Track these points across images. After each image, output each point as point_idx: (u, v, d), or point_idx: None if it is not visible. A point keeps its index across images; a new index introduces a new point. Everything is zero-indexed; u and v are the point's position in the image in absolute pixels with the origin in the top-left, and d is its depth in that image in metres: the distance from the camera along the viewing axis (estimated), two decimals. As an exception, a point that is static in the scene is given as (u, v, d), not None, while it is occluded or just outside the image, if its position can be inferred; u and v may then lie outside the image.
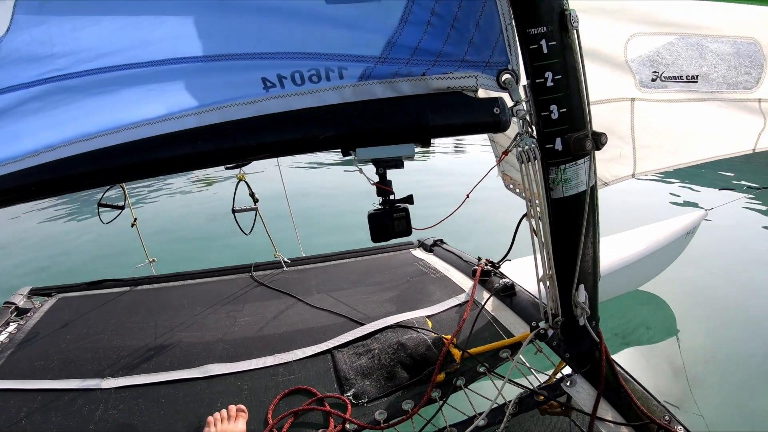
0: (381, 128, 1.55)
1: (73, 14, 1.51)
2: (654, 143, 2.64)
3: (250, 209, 2.93)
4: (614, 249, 4.66)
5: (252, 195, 2.90)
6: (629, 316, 5.12)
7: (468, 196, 1.73)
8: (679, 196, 9.52)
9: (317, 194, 9.14)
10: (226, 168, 2.78)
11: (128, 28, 1.52)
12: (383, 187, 1.65)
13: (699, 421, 3.61)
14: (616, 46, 2.46)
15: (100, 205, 2.76)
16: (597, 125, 2.49)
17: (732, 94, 2.75)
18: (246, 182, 2.83)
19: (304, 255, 3.37)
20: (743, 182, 10.41)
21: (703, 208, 5.28)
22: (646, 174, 2.72)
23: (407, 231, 1.70)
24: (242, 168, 2.74)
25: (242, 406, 1.88)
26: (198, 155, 1.64)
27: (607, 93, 2.48)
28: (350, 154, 1.59)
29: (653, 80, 2.54)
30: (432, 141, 1.58)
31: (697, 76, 2.63)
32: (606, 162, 2.55)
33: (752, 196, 8.74)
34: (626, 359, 4.34)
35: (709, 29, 2.59)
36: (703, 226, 5.26)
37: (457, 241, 3.36)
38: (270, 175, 3.26)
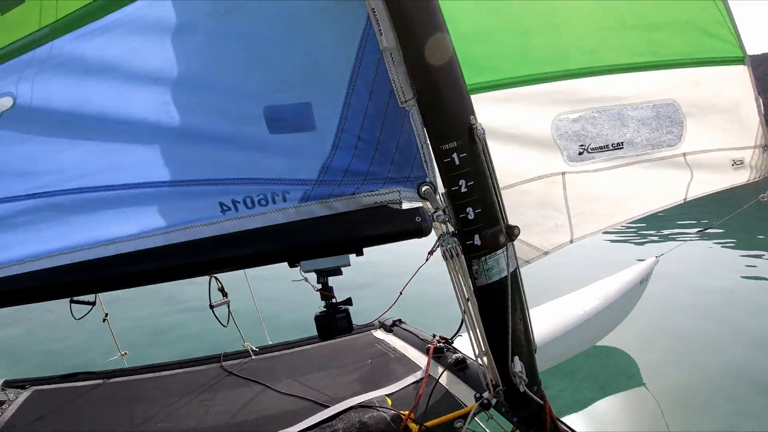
0: (320, 243, 1.80)
1: (52, 136, 1.74)
2: (588, 210, 2.88)
3: (224, 303, 3.09)
4: (570, 307, 4.83)
5: (222, 289, 3.07)
6: (596, 371, 5.28)
7: (401, 294, 1.96)
8: (632, 246, 9.87)
9: (282, 279, 9.12)
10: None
11: (104, 153, 1.77)
12: (326, 293, 1.88)
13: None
14: (543, 127, 2.73)
15: (72, 301, 2.89)
16: (533, 200, 2.76)
17: (657, 153, 3.00)
18: (216, 278, 3.00)
19: (270, 342, 3.51)
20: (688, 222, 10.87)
21: (654, 256, 5.50)
22: (584, 238, 2.93)
23: (349, 328, 1.92)
24: None
25: None
26: (166, 270, 1.85)
27: (538, 170, 2.74)
28: (296, 266, 1.82)
29: (580, 153, 2.80)
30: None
31: (622, 143, 2.89)
32: (544, 233, 2.78)
33: (698, 237, 9.13)
34: (600, 412, 4.52)
35: (627, 98, 2.87)
36: (655, 273, 5.48)
37: (416, 319, 3.55)
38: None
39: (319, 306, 1.91)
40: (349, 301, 1.94)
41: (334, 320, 1.89)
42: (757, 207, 3.64)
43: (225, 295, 3.06)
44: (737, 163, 3.18)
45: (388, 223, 1.81)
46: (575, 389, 4.93)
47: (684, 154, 3.06)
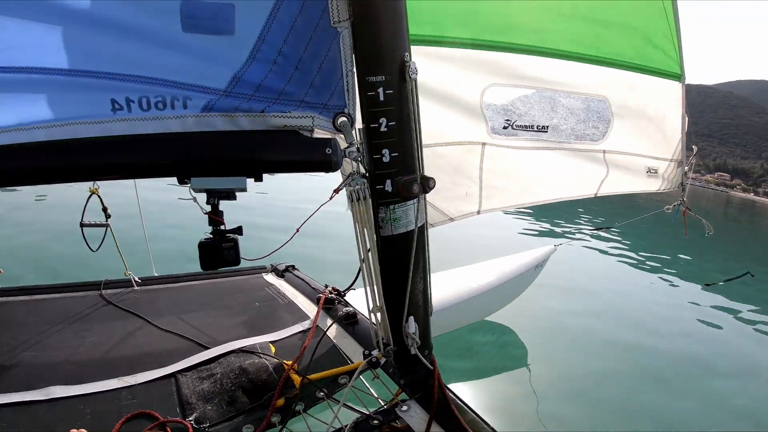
0: (216, 160, 1.61)
1: None
2: (500, 184, 2.87)
3: (101, 225, 2.83)
4: (465, 279, 4.94)
5: (105, 210, 2.81)
6: (481, 344, 5.47)
7: (298, 231, 1.80)
8: (533, 230, 10.31)
9: (171, 216, 8.82)
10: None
11: None
12: (215, 218, 1.70)
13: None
14: (473, 93, 2.67)
15: None
16: (447, 164, 2.69)
17: (579, 144, 3.04)
18: (99, 196, 2.73)
19: (156, 274, 3.31)
20: (594, 219, 11.48)
21: (552, 244, 5.78)
22: (491, 212, 2.92)
23: (236, 261, 1.75)
24: (96, 182, 2.65)
25: (84, 431, 1.82)
26: (41, 170, 1.63)
27: (460, 136, 2.68)
28: (186, 183, 1.62)
29: (505, 128, 2.77)
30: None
31: (547, 127, 2.89)
32: (453, 199, 2.74)
33: (596, 234, 9.70)
34: (479, 386, 4.63)
35: (562, 85, 2.86)
36: (551, 261, 5.74)
37: (310, 268, 3.45)
38: (124, 192, 3.12)
39: (206, 233, 1.73)
40: (239, 231, 1.76)
41: (220, 249, 1.71)
42: (653, 218, 3.85)
43: (108, 216, 2.80)
44: (651, 171, 3.31)
45: (295, 149, 1.65)
46: (460, 360, 5.06)
47: (604, 152, 3.13)
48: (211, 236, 1.73)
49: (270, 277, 3.33)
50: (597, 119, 3.07)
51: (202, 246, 1.72)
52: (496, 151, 2.75)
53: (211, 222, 1.72)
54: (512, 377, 5.00)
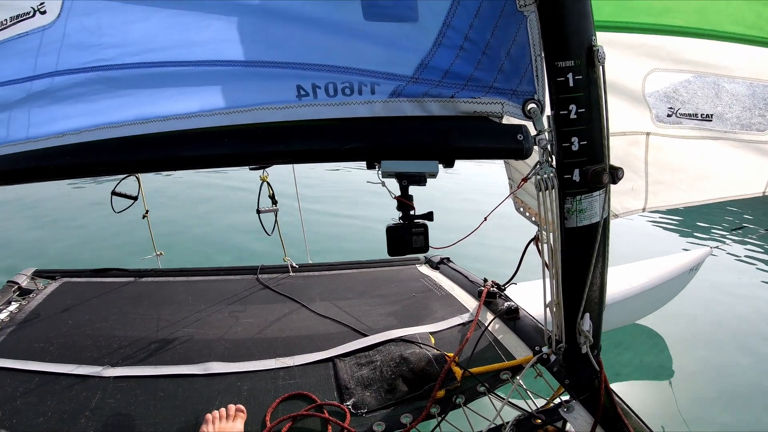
0: (407, 144, 1.60)
1: (123, 8, 1.56)
2: (667, 179, 2.69)
3: (272, 210, 2.96)
4: (617, 281, 4.61)
5: (272, 197, 2.92)
6: (627, 349, 5.11)
7: (486, 219, 1.77)
8: (686, 231, 9.51)
9: (331, 201, 9.00)
10: (251, 168, 2.81)
11: (177, 27, 1.57)
12: (405, 201, 1.69)
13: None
14: (635, 79, 2.51)
15: (113, 193, 2.76)
16: (612, 157, 2.53)
17: (745, 134, 2.79)
18: (269, 183, 2.85)
19: (311, 261, 3.40)
20: (752, 220, 10.40)
21: (708, 246, 5.28)
22: (656, 209, 2.75)
23: (424, 248, 1.73)
24: (266, 170, 2.76)
25: (241, 407, 1.90)
26: (224, 154, 1.68)
27: (623, 126, 2.53)
28: (374, 167, 1.63)
29: (669, 116, 2.59)
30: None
31: (711, 115, 2.68)
32: (618, 194, 2.59)
33: (757, 238, 8.71)
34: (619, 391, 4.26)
35: (726, 69, 2.63)
36: (707, 264, 5.23)
37: (461, 260, 3.39)
38: (281, 178, 3.24)
39: (393, 219, 1.73)
40: (429, 216, 1.74)
41: (409, 235, 1.70)
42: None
43: (275, 202, 2.92)
44: None
45: (486, 136, 1.61)
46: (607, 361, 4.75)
47: None
48: (400, 221, 1.73)
49: (424, 269, 3.33)
50: (764, 106, 2.80)
51: (391, 230, 1.72)
52: (661, 142, 2.58)
53: (400, 206, 1.72)
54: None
